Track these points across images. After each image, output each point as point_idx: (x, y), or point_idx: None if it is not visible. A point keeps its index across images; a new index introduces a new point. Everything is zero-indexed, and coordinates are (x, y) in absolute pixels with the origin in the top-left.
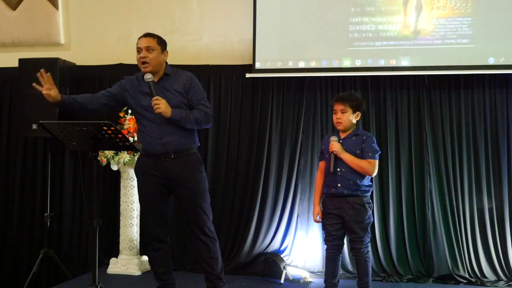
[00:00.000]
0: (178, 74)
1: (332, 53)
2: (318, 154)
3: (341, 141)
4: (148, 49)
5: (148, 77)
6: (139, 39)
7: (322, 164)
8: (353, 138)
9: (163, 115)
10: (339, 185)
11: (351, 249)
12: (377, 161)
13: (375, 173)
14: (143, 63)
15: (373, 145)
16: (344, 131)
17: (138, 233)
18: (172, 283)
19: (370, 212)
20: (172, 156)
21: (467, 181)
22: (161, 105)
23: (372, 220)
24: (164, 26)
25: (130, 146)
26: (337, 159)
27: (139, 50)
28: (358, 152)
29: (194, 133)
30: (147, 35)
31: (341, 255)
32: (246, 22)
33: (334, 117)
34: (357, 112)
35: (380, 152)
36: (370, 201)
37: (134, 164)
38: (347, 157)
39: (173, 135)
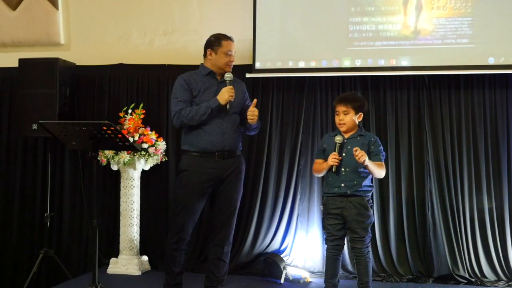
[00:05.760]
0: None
1: (332, 53)
2: (316, 151)
3: (345, 141)
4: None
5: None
6: (227, 40)
7: (320, 161)
8: (358, 138)
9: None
10: (342, 185)
11: (351, 249)
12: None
13: (383, 175)
14: (228, 65)
15: (381, 148)
16: (347, 132)
17: (138, 233)
18: (181, 283)
19: (371, 212)
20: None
21: (467, 181)
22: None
23: (373, 220)
24: (164, 26)
25: (130, 146)
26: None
27: (229, 53)
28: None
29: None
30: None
31: (341, 255)
32: (246, 22)
33: (337, 118)
34: (360, 113)
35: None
36: (371, 201)
37: (134, 164)
38: (370, 164)
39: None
